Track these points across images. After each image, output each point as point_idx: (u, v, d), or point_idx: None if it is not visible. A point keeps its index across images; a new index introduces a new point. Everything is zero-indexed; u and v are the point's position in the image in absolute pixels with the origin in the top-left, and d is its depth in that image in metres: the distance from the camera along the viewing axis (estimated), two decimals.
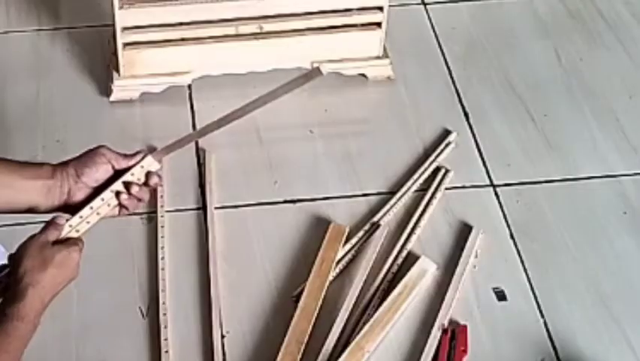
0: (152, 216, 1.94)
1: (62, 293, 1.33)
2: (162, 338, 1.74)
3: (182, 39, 2.13)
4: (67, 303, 1.76)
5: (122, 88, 2.15)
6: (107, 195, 1.37)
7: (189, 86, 2.20)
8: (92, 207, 1.36)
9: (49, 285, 1.27)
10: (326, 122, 2.16)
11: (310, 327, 1.75)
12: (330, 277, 1.83)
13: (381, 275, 1.84)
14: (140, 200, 1.38)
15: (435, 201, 1.98)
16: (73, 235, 1.35)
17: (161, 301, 1.79)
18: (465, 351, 1.73)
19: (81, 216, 1.35)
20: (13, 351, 1.23)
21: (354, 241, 1.91)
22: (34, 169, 1.36)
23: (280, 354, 1.71)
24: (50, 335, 1.73)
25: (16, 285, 1.26)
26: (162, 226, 1.92)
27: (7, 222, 1.91)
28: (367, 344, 1.72)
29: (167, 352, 1.72)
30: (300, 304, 1.78)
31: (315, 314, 1.77)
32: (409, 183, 2.02)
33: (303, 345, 1.72)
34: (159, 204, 1.95)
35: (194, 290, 1.83)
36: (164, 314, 1.77)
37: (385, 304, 1.78)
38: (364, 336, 1.73)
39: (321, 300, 1.79)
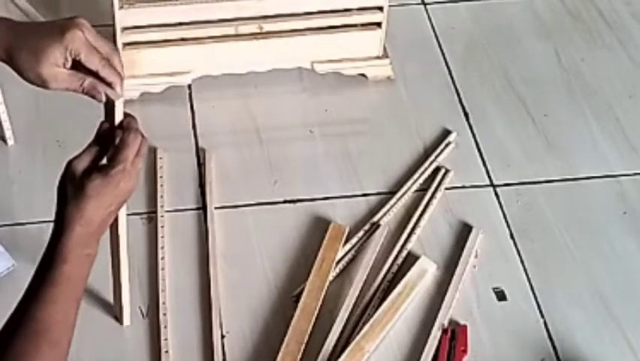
0: (152, 216, 1.94)
1: None
2: (162, 338, 1.74)
3: (182, 39, 2.13)
4: None
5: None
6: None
7: (189, 86, 2.20)
8: None
9: (95, 213, 1.14)
10: (326, 122, 2.16)
11: (310, 327, 1.75)
12: (330, 277, 1.83)
13: (381, 275, 1.84)
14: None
15: (435, 201, 1.98)
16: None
17: (161, 301, 1.79)
18: (465, 351, 1.73)
19: None
20: (65, 300, 1.10)
21: (354, 241, 1.91)
22: None
23: (280, 354, 1.71)
24: None
25: (56, 220, 1.13)
26: (162, 226, 1.92)
27: (7, 222, 1.91)
28: (367, 344, 1.72)
29: (167, 352, 1.72)
30: (300, 304, 1.78)
31: (315, 314, 1.77)
32: (409, 183, 2.02)
33: (303, 345, 1.72)
34: (159, 204, 1.95)
35: (194, 290, 1.83)
36: (164, 314, 1.77)
37: (385, 304, 1.78)
38: (364, 336, 1.73)
39: (321, 300, 1.79)
